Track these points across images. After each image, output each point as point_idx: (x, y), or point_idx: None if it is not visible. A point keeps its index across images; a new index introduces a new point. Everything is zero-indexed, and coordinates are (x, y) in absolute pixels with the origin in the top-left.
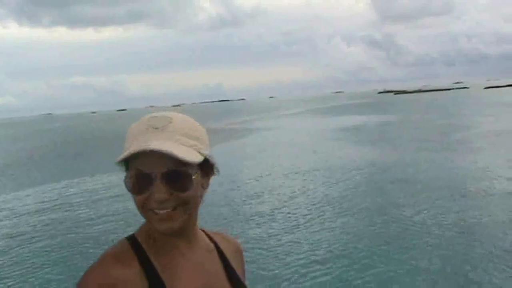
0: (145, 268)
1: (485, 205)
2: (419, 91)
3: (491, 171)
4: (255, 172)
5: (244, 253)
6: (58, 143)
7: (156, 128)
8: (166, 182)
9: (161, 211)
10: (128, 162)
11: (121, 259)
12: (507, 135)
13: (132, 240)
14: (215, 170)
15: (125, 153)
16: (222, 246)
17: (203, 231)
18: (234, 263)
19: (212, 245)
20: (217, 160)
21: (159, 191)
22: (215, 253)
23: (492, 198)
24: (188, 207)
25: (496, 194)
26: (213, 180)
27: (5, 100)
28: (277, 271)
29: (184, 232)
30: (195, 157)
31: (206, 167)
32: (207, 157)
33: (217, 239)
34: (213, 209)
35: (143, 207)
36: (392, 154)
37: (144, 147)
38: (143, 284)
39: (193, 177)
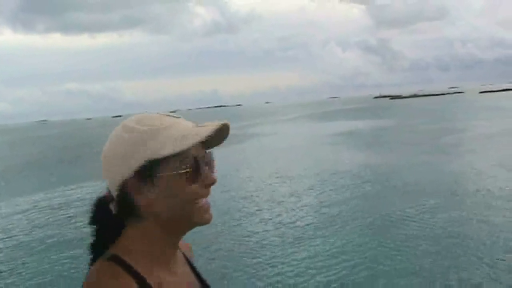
0: None
1: (478, 206)
2: (415, 96)
3: (483, 172)
4: (251, 177)
5: (238, 255)
6: (54, 149)
7: (173, 112)
8: (207, 165)
9: (206, 199)
10: (155, 161)
11: (121, 280)
12: (500, 138)
13: (116, 260)
14: None
15: (210, 130)
16: (187, 255)
17: None
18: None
19: (181, 254)
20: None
21: (210, 173)
22: (187, 264)
23: (485, 199)
24: None
25: (488, 195)
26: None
27: (0, 106)
28: (268, 275)
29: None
30: None
31: None
32: None
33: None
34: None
35: (196, 199)
36: (387, 158)
37: (220, 122)
38: None
39: None
